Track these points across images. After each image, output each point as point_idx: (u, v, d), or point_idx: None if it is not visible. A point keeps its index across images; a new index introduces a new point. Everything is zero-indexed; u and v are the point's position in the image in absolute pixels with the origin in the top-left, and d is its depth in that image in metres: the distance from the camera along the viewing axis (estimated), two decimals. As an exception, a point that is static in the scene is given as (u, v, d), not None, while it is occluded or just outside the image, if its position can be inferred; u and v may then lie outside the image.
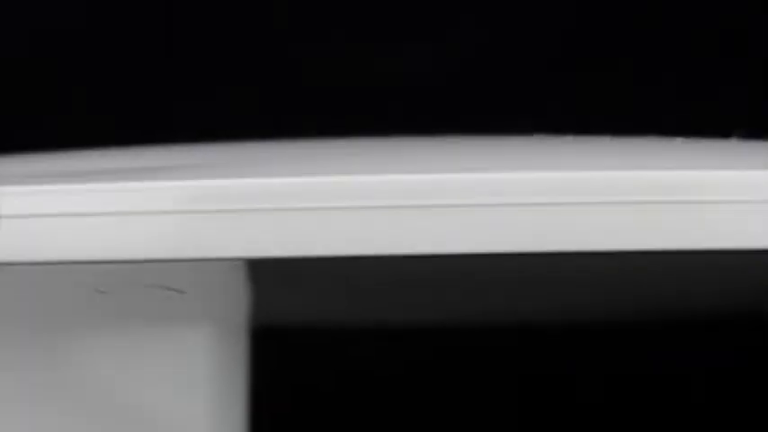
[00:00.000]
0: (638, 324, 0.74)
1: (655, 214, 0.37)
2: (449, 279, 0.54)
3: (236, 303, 0.53)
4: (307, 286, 0.56)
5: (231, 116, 1.02)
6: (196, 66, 1.11)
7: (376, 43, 1.12)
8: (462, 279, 0.54)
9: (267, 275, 0.53)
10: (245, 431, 0.54)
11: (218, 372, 0.52)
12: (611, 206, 0.38)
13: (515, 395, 0.91)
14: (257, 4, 1.13)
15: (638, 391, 0.87)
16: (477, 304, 0.66)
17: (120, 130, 0.92)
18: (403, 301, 0.63)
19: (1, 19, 1.15)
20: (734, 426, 0.90)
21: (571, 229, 0.39)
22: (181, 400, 0.51)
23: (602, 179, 0.39)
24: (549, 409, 0.88)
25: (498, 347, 0.83)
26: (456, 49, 1.13)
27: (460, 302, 0.65)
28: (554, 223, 0.40)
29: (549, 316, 0.68)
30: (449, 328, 0.76)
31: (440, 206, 0.38)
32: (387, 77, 1.08)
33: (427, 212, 0.38)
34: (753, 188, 0.38)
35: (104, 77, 1.12)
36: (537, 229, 0.40)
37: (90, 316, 0.49)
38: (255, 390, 0.55)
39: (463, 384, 0.90)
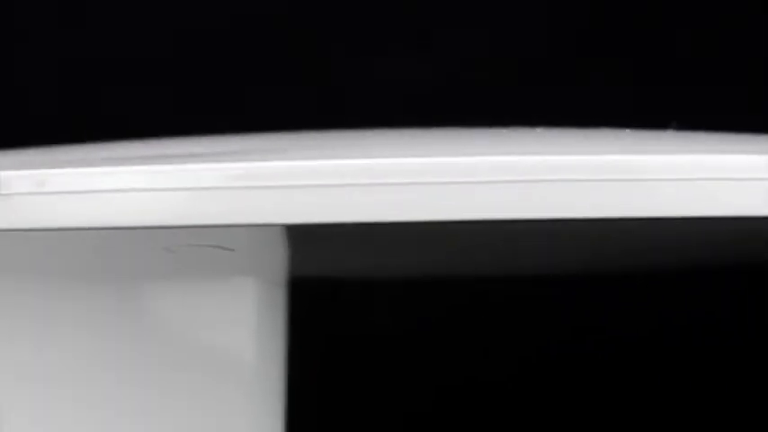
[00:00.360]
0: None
1: (603, 189, 0.43)
2: (460, 238, 0.59)
3: (275, 259, 0.59)
4: (335, 244, 0.62)
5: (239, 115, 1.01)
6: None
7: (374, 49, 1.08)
8: (473, 238, 0.58)
9: (301, 236, 0.59)
10: (283, 365, 0.60)
11: (262, 315, 0.59)
12: (575, 183, 0.44)
13: (527, 342, 0.97)
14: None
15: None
16: (487, 259, 0.70)
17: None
18: (422, 256, 0.68)
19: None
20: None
21: (559, 200, 0.44)
22: (232, 339, 0.58)
23: (575, 162, 0.44)
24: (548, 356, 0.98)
25: (508, 297, 0.92)
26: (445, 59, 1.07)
27: (471, 258, 0.69)
28: (551, 195, 0.45)
29: (548, 269, 0.76)
30: (462, 280, 0.85)
31: (443, 183, 0.44)
32: (385, 84, 1.03)
33: (435, 188, 0.44)
34: (673, 168, 0.43)
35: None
36: (538, 200, 0.45)
37: (160, 271, 0.56)
38: (291, 329, 0.61)
39: (478, 330, 0.95)
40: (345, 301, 0.84)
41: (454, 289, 0.92)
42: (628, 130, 0.55)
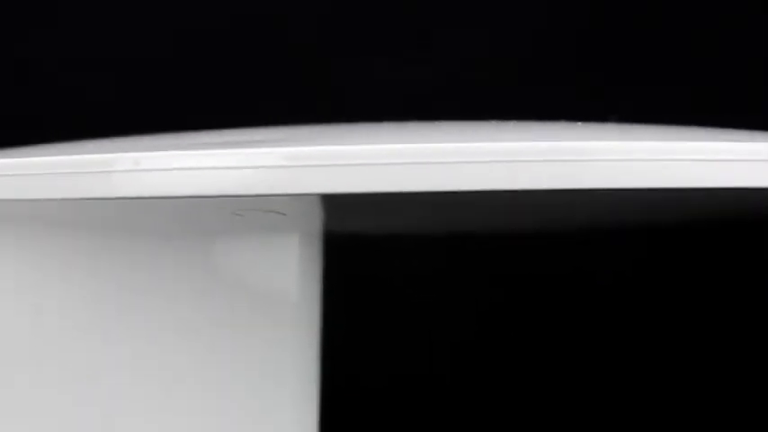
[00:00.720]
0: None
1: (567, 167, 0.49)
2: (458, 204, 0.64)
3: (314, 220, 0.69)
4: (357, 209, 0.68)
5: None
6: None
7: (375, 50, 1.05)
8: (487, 201, 0.61)
9: (332, 203, 0.67)
10: (319, 300, 0.71)
11: (303, 262, 0.70)
12: (547, 163, 0.49)
13: (540, 292, 1.03)
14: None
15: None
16: (501, 219, 0.76)
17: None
18: (425, 217, 0.76)
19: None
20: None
21: (550, 175, 0.49)
22: (281, 280, 0.69)
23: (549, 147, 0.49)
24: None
25: (506, 249, 0.98)
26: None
27: (467, 218, 0.76)
28: (547, 173, 0.50)
29: (548, 224, 0.83)
30: (460, 235, 0.91)
31: (439, 162, 0.50)
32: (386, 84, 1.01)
33: (433, 166, 0.50)
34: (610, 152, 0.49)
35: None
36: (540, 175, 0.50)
37: (230, 230, 0.67)
38: (325, 272, 0.72)
39: (476, 276, 1.03)
40: (365, 251, 0.90)
41: (452, 242, 0.98)
42: (580, 123, 0.62)
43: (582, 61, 1.09)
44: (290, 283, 0.70)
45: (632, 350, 1.05)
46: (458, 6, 1.08)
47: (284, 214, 0.65)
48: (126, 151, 0.53)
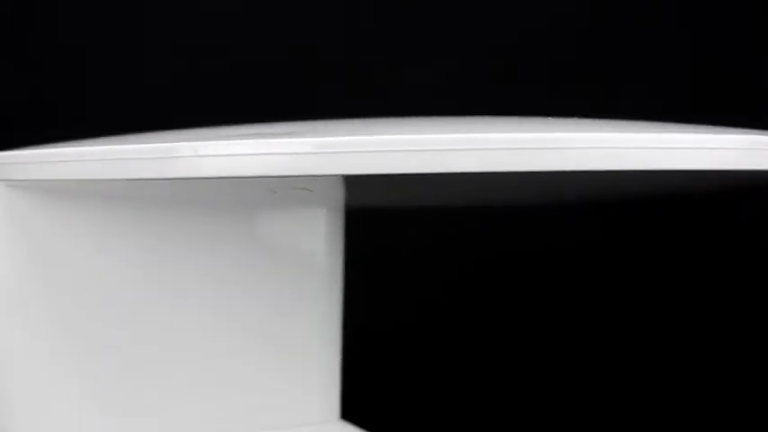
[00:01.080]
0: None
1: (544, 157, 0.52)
2: (456, 182, 0.68)
3: (337, 196, 0.77)
4: (372, 187, 0.75)
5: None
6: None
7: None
8: (491, 180, 0.66)
9: (352, 182, 0.75)
10: (341, 261, 0.77)
11: (328, 230, 0.77)
12: (542, 151, 0.52)
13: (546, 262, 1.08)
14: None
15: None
16: (503, 194, 0.81)
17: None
18: (427, 194, 0.80)
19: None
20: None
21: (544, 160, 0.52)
22: (309, 246, 0.76)
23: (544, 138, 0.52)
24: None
25: (523, 220, 1.04)
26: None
27: (463, 194, 0.82)
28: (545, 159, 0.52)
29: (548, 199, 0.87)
30: (457, 208, 0.97)
31: (438, 150, 0.53)
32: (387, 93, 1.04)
33: (433, 153, 0.53)
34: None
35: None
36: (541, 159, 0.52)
37: (267, 204, 0.74)
38: (346, 239, 0.78)
39: (474, 239, 1.07)
40: (379, 221, 0.94)
41: (452, 214, 1.03)
42: (551, 118, 0.65)
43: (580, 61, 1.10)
44: (318, 247, 0.77)
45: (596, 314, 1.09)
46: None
47: (311, 191, 0.74)
48: (185, 141, 0.57)
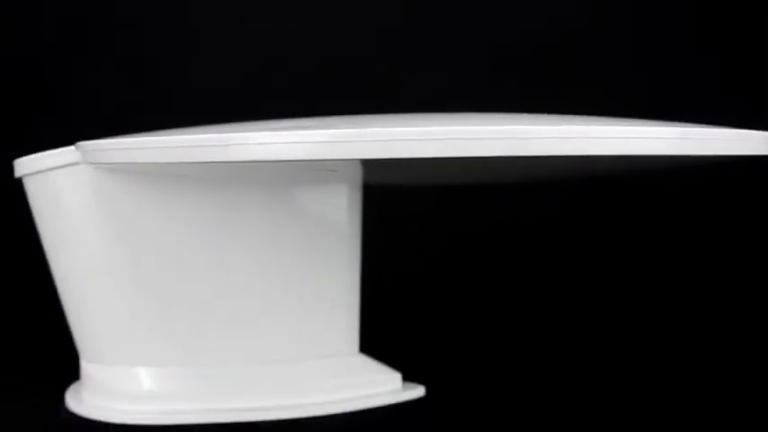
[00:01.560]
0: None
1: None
2: (454, 165, 0.73)
3: (356, 175, 0.80)
4: (385, 168, 0.77)
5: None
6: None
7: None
8: (476, 162, 0.68)
9: (368, 164, 0.78)
10: (359, 229, 0.80)
11: (349, 203, 0.80)
12: (543, 139, 0.58)
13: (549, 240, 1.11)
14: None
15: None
16: (489, 175, 0.84)
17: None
18: (429, 174, 0.86)
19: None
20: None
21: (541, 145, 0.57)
22: (334, 216, 0.79)
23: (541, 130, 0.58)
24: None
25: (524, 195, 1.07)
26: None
27: (462, 174, 0.85)
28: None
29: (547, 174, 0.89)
30: (454, 186, 1.01)
31: (439, 140, 0.57)
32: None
33: (434, 142, 0.57)
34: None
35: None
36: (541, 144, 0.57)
37: (301, 181, 0.77)
38: (363, 211, 0.80)
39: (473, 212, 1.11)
40: (391, 195, 0.95)
41: (452, 190, 1.05)
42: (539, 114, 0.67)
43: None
44: (341, 215, 0.80)
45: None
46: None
47: (337, 171, 0.78)
48: (237, 132, 0.62)
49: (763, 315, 1.00)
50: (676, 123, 0.66)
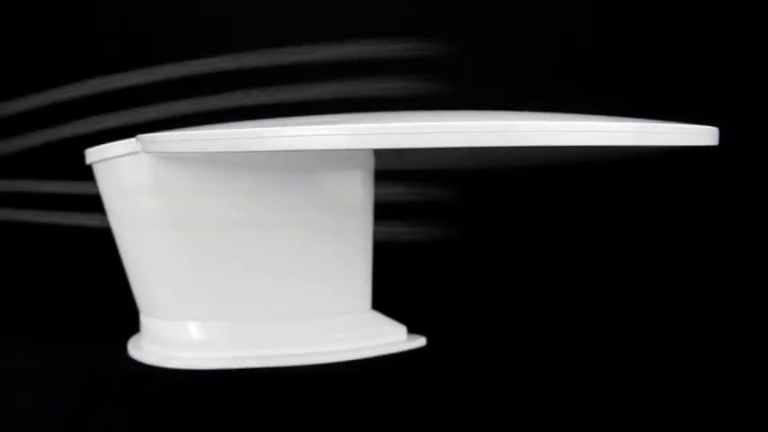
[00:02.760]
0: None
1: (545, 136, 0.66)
2: (452, 154, 0.80)
3: (369, 162, 0.88)
4: (395, 154, 0.87)
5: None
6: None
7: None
8: (462, 151, 0.78)
9: (379, 153, 0.86)
10: (371, 207, 0.87)
11: (363, 184, 0.88)
12: (540, 133, 0.66)
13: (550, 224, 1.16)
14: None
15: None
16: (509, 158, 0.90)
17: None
18: (430, 162, 0.96)
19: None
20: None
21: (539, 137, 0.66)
22: (351, 195, 0.86)
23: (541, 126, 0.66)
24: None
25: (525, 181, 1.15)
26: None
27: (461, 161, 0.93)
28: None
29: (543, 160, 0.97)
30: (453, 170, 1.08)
31: (460, 132, 0.66)
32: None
33: (435, 135, 0.66)
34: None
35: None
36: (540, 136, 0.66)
37: (323, 167, 0.85)
38: (375, 191, 0.88)
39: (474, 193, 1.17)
40: (396, 177, 1.02)
41: (440, 173, 1.11)
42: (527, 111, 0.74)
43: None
44: (356, 195, 0.88)
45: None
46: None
47: (353, 158, 0.87)
48: (268, 127, 0.70)
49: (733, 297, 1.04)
50: (636, 119, 0.73)
